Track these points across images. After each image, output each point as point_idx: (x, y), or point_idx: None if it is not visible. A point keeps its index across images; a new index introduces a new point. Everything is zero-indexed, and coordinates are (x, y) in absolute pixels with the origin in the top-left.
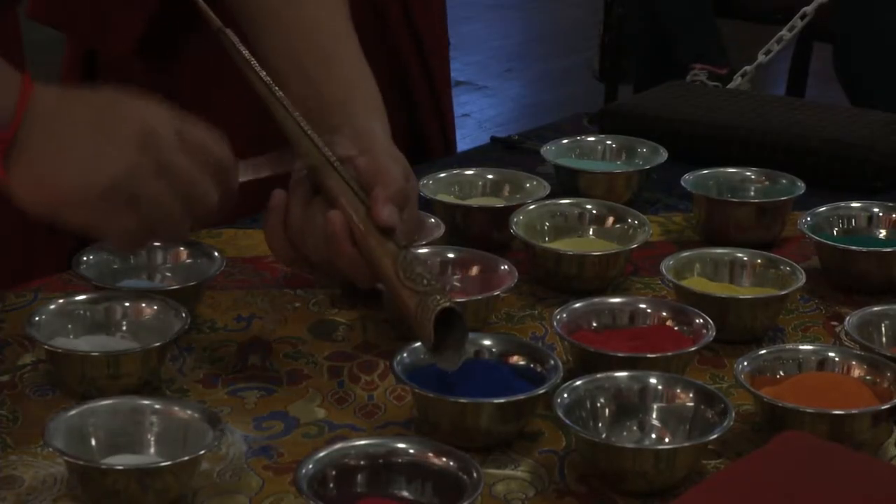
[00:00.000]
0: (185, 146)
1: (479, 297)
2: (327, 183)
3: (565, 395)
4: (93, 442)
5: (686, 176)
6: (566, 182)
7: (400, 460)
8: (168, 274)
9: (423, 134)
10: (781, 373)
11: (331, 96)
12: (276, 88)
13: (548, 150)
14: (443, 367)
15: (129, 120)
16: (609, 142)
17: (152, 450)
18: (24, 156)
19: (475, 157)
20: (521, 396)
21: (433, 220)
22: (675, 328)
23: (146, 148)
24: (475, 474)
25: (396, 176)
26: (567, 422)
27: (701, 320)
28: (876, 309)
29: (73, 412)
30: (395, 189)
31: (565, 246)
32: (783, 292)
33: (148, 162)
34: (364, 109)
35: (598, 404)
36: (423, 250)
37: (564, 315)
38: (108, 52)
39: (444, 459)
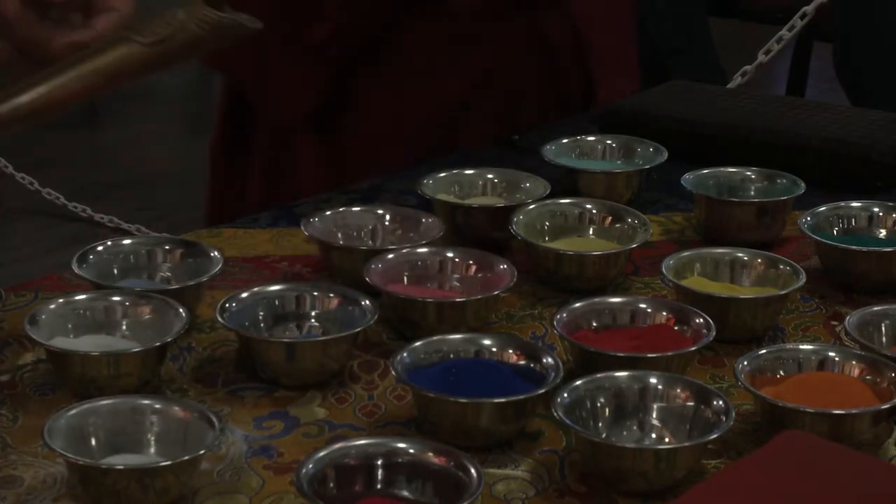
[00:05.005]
0: None
1: (479, 297)
2: None
3: (565, 395)
4: (93, 442)
5: (686, 176)
6: (566, 182)
7: (400, 460)
8: (168, 274)
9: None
10: (781, 373)
11: None
12: None
13: (548, 150)
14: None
15: None
16: (609, 142)
17: (152, 450)
18: None
19: (475, 157)
20: (521, 396)
21: (433, 220)
22: (675, 328)
23: None
24: (475, 474)
25: None
26: (567, 422)
27: (701, 320)
28: (876, 309)
29: (73, 412)
30: None
31: (565, 246)
32: (783, 292)
33: None
34: None
35: (598, 404)
36: (422, 249)
37: (564, 315)
38: (274, 119)
39: (444, 459)
